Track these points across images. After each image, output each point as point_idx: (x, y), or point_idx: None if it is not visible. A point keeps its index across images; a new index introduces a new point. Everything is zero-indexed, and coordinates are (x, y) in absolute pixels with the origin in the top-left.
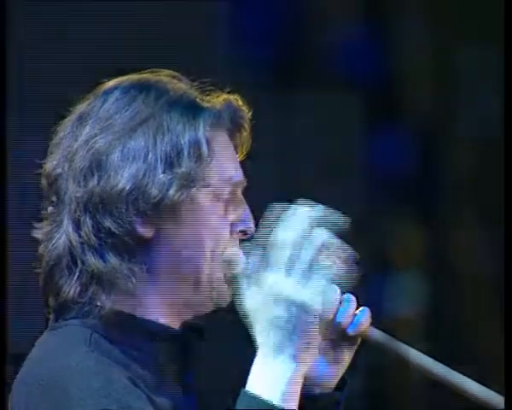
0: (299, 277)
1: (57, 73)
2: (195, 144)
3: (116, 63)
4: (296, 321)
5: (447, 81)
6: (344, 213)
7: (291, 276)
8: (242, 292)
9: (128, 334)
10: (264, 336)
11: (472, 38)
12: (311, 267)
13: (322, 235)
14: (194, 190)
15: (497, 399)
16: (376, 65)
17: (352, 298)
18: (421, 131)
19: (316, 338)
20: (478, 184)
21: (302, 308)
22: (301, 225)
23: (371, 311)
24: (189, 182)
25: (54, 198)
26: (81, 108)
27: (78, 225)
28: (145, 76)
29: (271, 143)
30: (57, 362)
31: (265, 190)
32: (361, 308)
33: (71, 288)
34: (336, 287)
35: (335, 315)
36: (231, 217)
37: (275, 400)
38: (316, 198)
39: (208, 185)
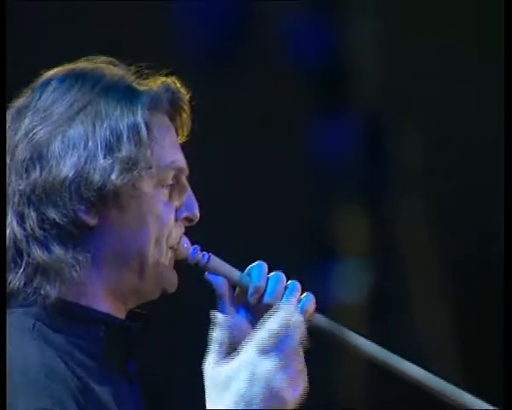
0: (278, 362)
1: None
2: (134, 128)
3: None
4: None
5: (396, 70)
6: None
7: (271, 360)
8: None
9: (72, 322)
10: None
11: (423, 26)
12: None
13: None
14: (136, 174)
15: (442, 385)
16: (324, 52)
17: (297, 285)
18: (369, 119)
19: None
20: (425, 174)
21: (274, 393)
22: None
23: (317, 298)
24: (130, 166)
25: None
26: (19, 101)
27: (22, 218)
28: (81, 64)
29: (216, 130)
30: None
31: (209, 176)
32: (305, 294)
33: (16, 280)
34: (281, 274)
35: (280, 302)
36: (176, 203)
37: None
38: (260, 184)
39: (150, 168)
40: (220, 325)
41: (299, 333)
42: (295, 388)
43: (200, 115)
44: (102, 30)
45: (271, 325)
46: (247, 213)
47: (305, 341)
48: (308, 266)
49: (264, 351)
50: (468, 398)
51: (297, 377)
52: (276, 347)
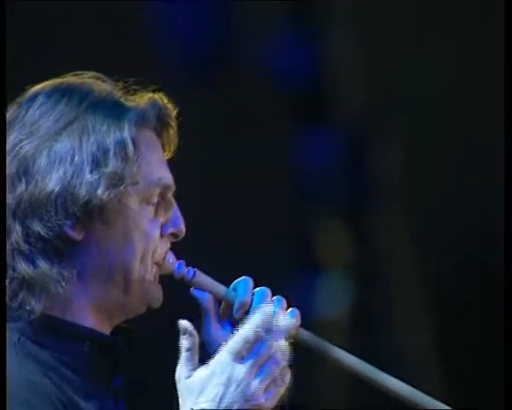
0: (252, 367)
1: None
2: (121, 144)
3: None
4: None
5: (378, 82)
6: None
7: (245, 365)
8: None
9: (56, 338)
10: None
11: (404, 38)
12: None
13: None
14: (122, 189)
15: (422, 398)
16: (305, 66)
17: (282, 300)
18: (352, 132)
19: None
20: (408, 185)
21: (249, 398)
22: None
23: (300, 312)
24: (116, 181)
25: None
26: (6, 116)
27: (7, 232)
28: (68, 79)
29: (199, 145)
30: None
31: (195, 190)
32: (290, 310)
33: None
34: (266, 289)
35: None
36: (161, 219)
37: None
38: (243, 199)
39: (137, 184)
40: (187, 332)
41: (275, 339)
42: (269, 395)
43: (185, 129)
44: (99, 32)
45: (245, 330)
46: (232, 229)
47: (284, 347)
48: (292, 280)
49: (239, 356)
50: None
51: (272, 384)
52: (250, 352)
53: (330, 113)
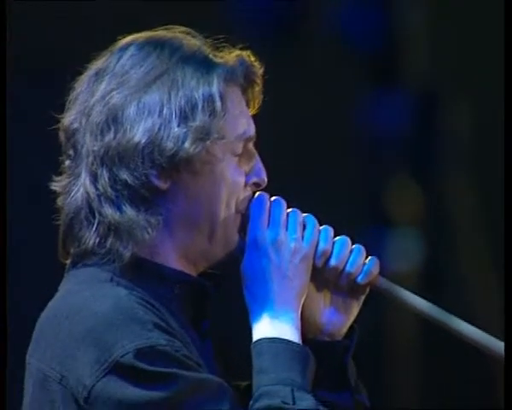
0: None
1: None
2: (209, 99)
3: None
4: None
5: (447, 44)
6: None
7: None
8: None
9: (147, 279)
10: (258, 293)
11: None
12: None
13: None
14: (208, 143)
15: (495, 343)
16: (376, 27)
17: (362, 248)
18: (422, 92)
19: (306, 281)
20: (475, 145)
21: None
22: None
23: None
24: (203, 135)
25: (71, 152)
26: (97, 64)
27: (95, 178)
28: (160, 32)
29: (271, 104)
30: (85, 294)
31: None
32: (370, 258)
33: (90, 239)
34: (347, 238)
35: (346, 265)
36: (244, 169)
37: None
38: (315, 158)
39: (222, 138)
40: None
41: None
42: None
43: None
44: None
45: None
46: (307, 184)
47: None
48: (363, 235)
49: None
50: None
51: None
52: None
53: (400, 73)
